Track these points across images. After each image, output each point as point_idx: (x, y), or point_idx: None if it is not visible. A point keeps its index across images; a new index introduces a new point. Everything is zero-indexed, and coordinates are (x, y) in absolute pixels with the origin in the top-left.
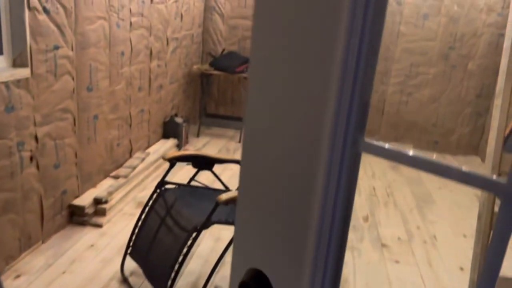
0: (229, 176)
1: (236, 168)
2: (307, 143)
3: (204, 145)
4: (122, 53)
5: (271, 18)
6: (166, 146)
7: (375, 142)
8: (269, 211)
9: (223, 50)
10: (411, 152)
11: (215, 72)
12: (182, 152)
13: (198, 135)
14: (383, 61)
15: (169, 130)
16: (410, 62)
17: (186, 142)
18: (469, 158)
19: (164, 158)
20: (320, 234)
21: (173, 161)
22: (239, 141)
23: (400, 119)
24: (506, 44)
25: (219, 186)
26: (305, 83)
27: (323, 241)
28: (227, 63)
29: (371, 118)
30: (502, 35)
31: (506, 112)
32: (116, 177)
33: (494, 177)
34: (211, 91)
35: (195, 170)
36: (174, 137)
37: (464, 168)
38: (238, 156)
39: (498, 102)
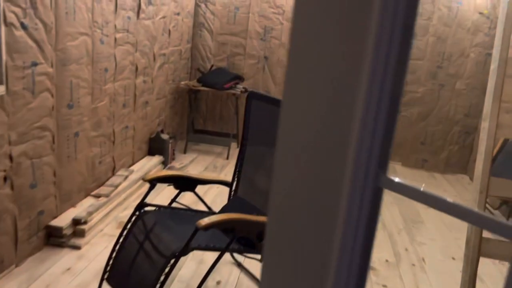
0: (213, 196)
1: (220, 188)
2: (330, 178)
3: (191, 161)
4: (106, 70)
5: (301, 59)
6: (151, 163)
7: (397, 179)
8: (293, 244)
9: (212, 66)
10: (430, 192)
11: (204, 88)
12: (163, 173)
13: (185, 152)
14: None
15: (155, 146)
16: None
17: (172, 159)
18: (458, 177)
19: (144, 179)
20: (339, 273)
21: (153, 182)
22: (227, 158)
23: None
24: (493, 66)
25: (203, 207)
26: (329, 116)
27: (341, 277)
28: (215, 80)
29: None
30: (489, 55)
31: (494, 135)
32: (97, 196)
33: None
34: (199, 107)
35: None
36: (160, 153)
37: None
38: (225, 173)
39: (485, 125)
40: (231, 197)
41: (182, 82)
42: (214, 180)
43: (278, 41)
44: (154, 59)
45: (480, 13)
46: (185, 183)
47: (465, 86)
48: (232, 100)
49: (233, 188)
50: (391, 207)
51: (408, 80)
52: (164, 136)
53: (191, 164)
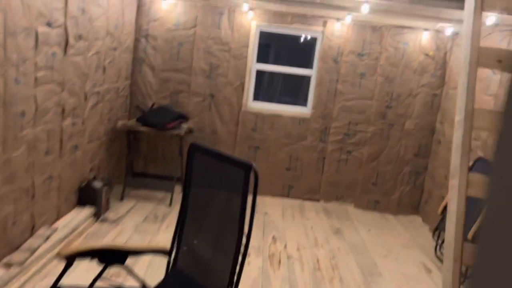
0: (146, 266)
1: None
2: None
3: (128, 211)
4: (23, 113)
5: None
6: (80, 217)
7: None
8: None
9: (153, 104)
10: None
11: (144, 128)
12: (84, 247)
13: (122, 198)
14: (321, 119)
15: (86, 196)
16: (348, 120)
17: (107, 209)
18: (410, 218)
19: (58, 255)
20: None
21: (70, 260)
22: (170, 205)
23: (340, 177)
24: (458, 118)
25: (133, 282)
26: None
27: None
28: (157, 119)
29: (310, 176)
30: (435, 95)
31: (465, 194)
32: (8, 265)
33: None
34: (139, 147)
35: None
36: (92, 204)
37: None
38: (167, 225)
39: (454, 183)
40: (169, 271)
41: (120, 122)
42: (147, 249)
43: (225, 79)
44: (86, 98)
45: (426, 54)
46: (112, 256)
47: (414, 126)
48: (176, 140)
49: (173, 257)
50: (348, 257)
51: (358, 120)
52: (97, 184)
53: (128, 214)
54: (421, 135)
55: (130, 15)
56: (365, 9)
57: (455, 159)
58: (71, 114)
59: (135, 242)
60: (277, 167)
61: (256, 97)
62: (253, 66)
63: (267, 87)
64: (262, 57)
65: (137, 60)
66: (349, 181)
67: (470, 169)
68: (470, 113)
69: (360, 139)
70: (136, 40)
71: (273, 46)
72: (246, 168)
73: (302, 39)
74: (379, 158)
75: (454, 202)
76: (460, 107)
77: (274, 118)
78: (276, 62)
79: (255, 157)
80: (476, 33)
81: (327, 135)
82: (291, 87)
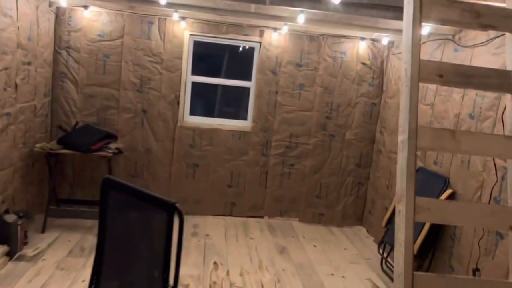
0: None
1: None
2: None
3: (50, 244)
4: None
5: None
6: None
7: None
8: None
9: (76, 123)
10: None
11: (65, 151)
12: None
13: (43, 231)
14: (262, 132)
15: None
16: (289, 133)
17: (24, 244)
18: (355, 229)
19: None
20: None
21: None
22: None
23: (284, 192)
24: (402, 137)
25: None
26: None
27: None
28: (80, 140)
29: (253, 192)
30: (374, 105)
31: (412, 220)
32: None
33: None
34: (64, 171)
35: None
36: (5, 241)
37: None
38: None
39: (401, 208)
40: None
41: (37, 145)
42: None
43: (157, 93)
44: None
45: (363, 63)
46: None
47: (354, 136)
48: (105, 163)
49: None
50: (294, 279)
51: (299, 132)
52: (10, 218)
53: (50, 248)
54: (362, 145)
55: (47, 25)
56: (301, 19)
57: (401, 183)
58: None
59: (57, 281)
60: (218, 184)
61: (194, 111)
62: (188, 78)
63: (207, 99)
64: (200, 69)
65: (57, 75)
66: (293, 195)
67: None
68: (414, 132)
69: (302, 152)
70: (56, 53)
71: (212, 56)
72: (169, 208)
73: (241, 49)
74: (322, 170)
75: (401, 231)
76: (403, 125)
77: (213, 132)
78: (216, 73)
79: (194, 175)
80: (416, 45)
81: (269, 149)
82: (233, 97)
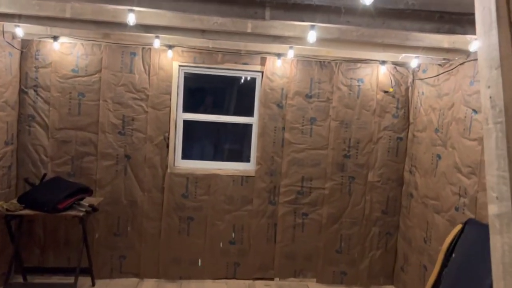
0: None
1: None
2: None
3: None
4: None
5: None
6: None
7: None
8: None
9: (44, 175)
10: None
11: (27, 212)
12: None
13: None
14: (268, 176)
15: None
16: (301, 176)
17: None
18: None
19: None
20: None
21: None
22: None
23: (297, 247)
24: (496, 210)
25: None
26: None
27: None
28: (45, 197)
29: (260, 249)
30: (400, 139)
31: None
32: None
33: None
34: (33, 232)
35: None
36: None
37: None
38: None
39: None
40: None
41: None
42: None
43: (142, 135)
44: None
45: (385, 91)
46: None
47: (379, 178)
48: (76, 222)
49: None
50: None
51: (312, 174)
52: None
53: None
54: (388, 187)
55: (8, 61)
56: (311, 37)
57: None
58: None
59: None
60: (218, 241)
61: (187, 154)
62: (179, 116)
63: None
64: (193, 105)
65: (24, 118)
66: (308, 250)
67: (460, 234)
68: None
69: (317, 198)
70: (22, 92)
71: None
72: None
73: (241, 81)
74: (342, 219)
75: None
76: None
77: (211, 179)
78: (213, 109)
79: (189, 231)
80: (508, 57)
81: (277, 196)
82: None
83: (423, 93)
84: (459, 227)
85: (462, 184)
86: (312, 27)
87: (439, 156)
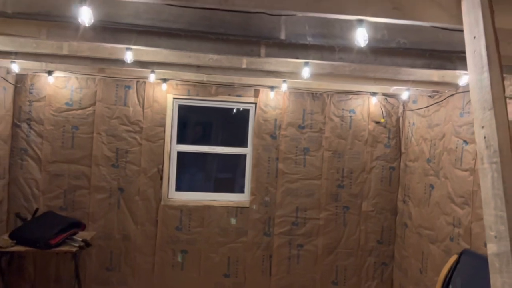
0: None
1: None
2: None
3: None
4: None
5: None
6: None
7: None
8: None
9: (36, 210)
10: None
11: (19, 248)
12: None
13: None
14: (263, 207)
15: None
16: (295, 206)
17: None
18: None
19: None
20: None
21: None
22: None
23: (293, 279)
24: (495, 249)
25: None
26: None
27: None
28: (37, 233)
29: (255, 282)
30: (393, 169)
31: None
32: None
33: None
34: (23, 269)
35: None
36: None
37: None
38: None
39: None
40: None
41: None
42: None
43: (136, 167)
44: None
45: (377, 122)
46: None
47: (373, 207)
48: (68, 258)
49: None
50: None
51: (307, 205)
52: None
53: None
54: (383, 217)
55: (1, 95)
56: (305, 73)
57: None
58: None
59: None
60: (213, 274)
61: (181, 186)
62: (173, 148)
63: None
64: (189, 136)
65: (16, 152)
66: (304, 282)
67: (456, 265)
68: None
69: (312, 228)
70: (15, 126)
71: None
72: None
73: (234, 111)
74: (337, 250)
75: None
76: (495, 228)
77: (204, 210)
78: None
79: (183, 265)
80: (500, 98)
81: (272, 227)
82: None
83: (414, 123)
84: (454, 257)
85: (456, 214)
86: (306, 63)
87: (432, 186)
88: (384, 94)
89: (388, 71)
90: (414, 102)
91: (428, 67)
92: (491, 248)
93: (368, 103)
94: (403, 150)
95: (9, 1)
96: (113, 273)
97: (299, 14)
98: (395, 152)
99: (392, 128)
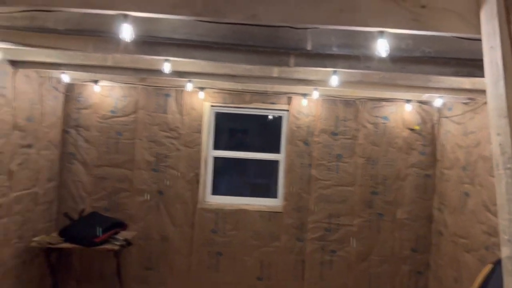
0: None
1: None
2: None
3: None
4: None
5: None
6: None
7: None
8: None
9: (82, 210)
10: None
11: (67, 245)
12: None
13: None
14: (296, 212)
15: None
16: (328, 212)
17: None
18: None
19: None
20: None
21: None
22: None
23: (326, 285)
24: (507, 252)
25: None
26: None
27: None
28: (83, 231)
29: (288, 286)
30: (428, 176)
31: None
32: None
33: None
34: (70, 265)
35: None
36: None
37: None
38: None
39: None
40: None
41: (35, 239)
42: None
43: (175, 171)
44: None
45: (411, 129)
46: None
47: (407, 215)
48: (111, 255)
49: None
50: None
51: (340, 211)
52: None
53: None
54: (418, 225)
55: (53, 104)
56: (334, 81)
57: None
58: None
59: None
60: (246, 277)
61: (217, 189)
62: (209, 153)
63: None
64: (224, 142)
65: (65, 156)
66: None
67: (490, 276)
68: None
69: (345, 235)
70: (65, 133)
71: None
72: None
73: (269, 118)
74: (371, 257)
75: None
76: (508, 232)
77: (239, 214)
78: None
79: (218, 266)
80: None
81: (305, 232)
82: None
83: (449, 131)
84: (489, 267)
85: (491, 223)
86: (334, 72)
87: (467, 194)
88: (419, 101)
89: (418, 78)
90: (449, 109)
91: (457, 74)
92: (505, 252)
93: (402, 110)
94: (438, 157)
95: (60, 19)
96: (152, 273)
97: (321, 27)
98: (430, 159)
99: (428, 135)
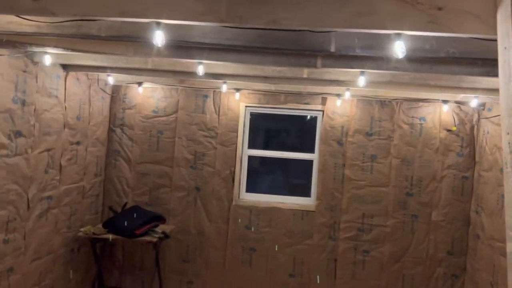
0: None
1: None
2: None
3: None
4: None
5: None
6: None
7: None
8: None
9: (125, 204)
10: None
11: (110, 235)
12: None
13: None
14: (328, 212)
15: None
16: (361, 212)
17: None
18: None
19: None
20: None
21: None
22: None
23: (358, 284)
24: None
25: None
26: None
27: None
28: (125, 223)
29: (320, 284)
30: (466, 178)
31: None
32: None
33: None
34: (113, 256)
35: None
36: None
37: None
38: None
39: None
40: None
41: (82, 229)
42: None
43: (211, 169)
44: (29, 206)
45: (448, 130)
46: None
47: (443, 217)
48: (151, 248)
49: None
50: None
51: (373, 211)
52: None
53: None
54: (454, 227)
55: (100, 104)
56: (361, 81)
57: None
58: (4, 228)
59: None
60: (278, 273)
61: (251, 188)
62: (244, 152)
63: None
64: (259, 141)
65: (111, 153)
66: None
67: None
68: None
69: (379, 235)
70: (111, 131)
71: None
72: None
73: (306, 119)
74: (404, 258)
75: None
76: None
77: (272, 212)
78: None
79: (251, 262)
80: None
81: (337, 231)
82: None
83: (488, 131)
84: None
85: None
86: (362, 73)
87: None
88: (456, 102)
89: (450, 78)
90: (489, 110)
91: (488, 74)
92: (510, 247)
93: (439, 111)
94: (477, 159)
95: (103, 27)
96: (188, 265)
97: (339, 30)
98: (468, 161)
99: (466, 137)
